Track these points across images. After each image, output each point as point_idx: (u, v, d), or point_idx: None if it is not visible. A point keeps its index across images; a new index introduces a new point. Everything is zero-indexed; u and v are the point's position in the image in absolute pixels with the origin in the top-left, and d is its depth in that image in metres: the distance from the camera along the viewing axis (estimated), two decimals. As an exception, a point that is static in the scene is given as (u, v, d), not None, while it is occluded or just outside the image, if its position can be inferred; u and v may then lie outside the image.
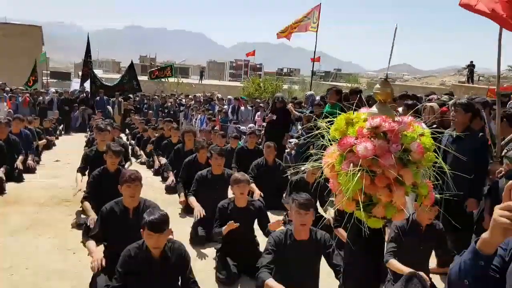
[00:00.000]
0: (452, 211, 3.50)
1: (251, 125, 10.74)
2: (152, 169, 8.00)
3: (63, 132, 14.08)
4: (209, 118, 11.90)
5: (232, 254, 3.89)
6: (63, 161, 8.60)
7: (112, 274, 2.86)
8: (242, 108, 12.51)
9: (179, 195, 5.45)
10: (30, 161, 7.30)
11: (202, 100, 15.72)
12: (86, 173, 5.29)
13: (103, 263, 3.11)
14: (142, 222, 2.70)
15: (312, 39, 11.65)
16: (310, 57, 12.49)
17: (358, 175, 1.80)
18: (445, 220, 3.54)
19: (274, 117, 7.68)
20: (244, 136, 9.50)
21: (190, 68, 61.93)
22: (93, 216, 4.12)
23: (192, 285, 2.90)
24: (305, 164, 2.22)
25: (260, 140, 8.24)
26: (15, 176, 6.51)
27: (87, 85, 17.21)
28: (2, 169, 6.19)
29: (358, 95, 4.68)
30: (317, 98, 8.64)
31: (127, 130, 13.36)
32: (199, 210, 4.41)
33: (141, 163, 8.84)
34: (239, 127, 11.28)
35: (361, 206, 1.86)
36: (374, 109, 2.07)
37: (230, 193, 4.41)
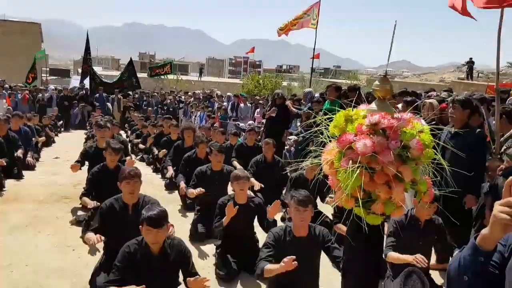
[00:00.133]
0: (451, 207, 3.50)
1: (251, 122, 10.75)
2: (152, 166, 8.02)
3: (62, 129, 14.07)
4: (209, 115, 11.89)
5: (232, 251, 3.90)
6: (62, 158, 8.57)
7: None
8: (242, 105, 12.51)
9: (178, 184, 5.30)
10: (29, 158, 7.30)
11: (201, 97, 15.69)
12: (86, 169, 5.29)
13: (101, 238, 3.15)
14: (141, 218, 2.70)
15: (311, 36, 11.62)
16: (310, 53, 12.48)
17: (357, 172, 1.80)
18: (443, 216, 3.55)
19: (275, 113, 7.67)
20: (243, 133, 9.49)
21: (190, 65, 61.84)
22: (94, 204, 4.24)
23: None
24: (304, 161, 2.22)
25: (259, 137, 8.23)
26: (14, 173, 6.51)
27: (86, 82, 17.15)
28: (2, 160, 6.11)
29: (357, 92, 4.67)
30: (316, 95, 8.64)
31: (126, 126, 13.36)
32: (199, 188, 4.59)
33: (141, 159, 8.83)
34: (239, 124, 11.28)
35: (360, 203, 1.86)
36: (373, 105, 2.07)
37: (229, 190, 4.41)
